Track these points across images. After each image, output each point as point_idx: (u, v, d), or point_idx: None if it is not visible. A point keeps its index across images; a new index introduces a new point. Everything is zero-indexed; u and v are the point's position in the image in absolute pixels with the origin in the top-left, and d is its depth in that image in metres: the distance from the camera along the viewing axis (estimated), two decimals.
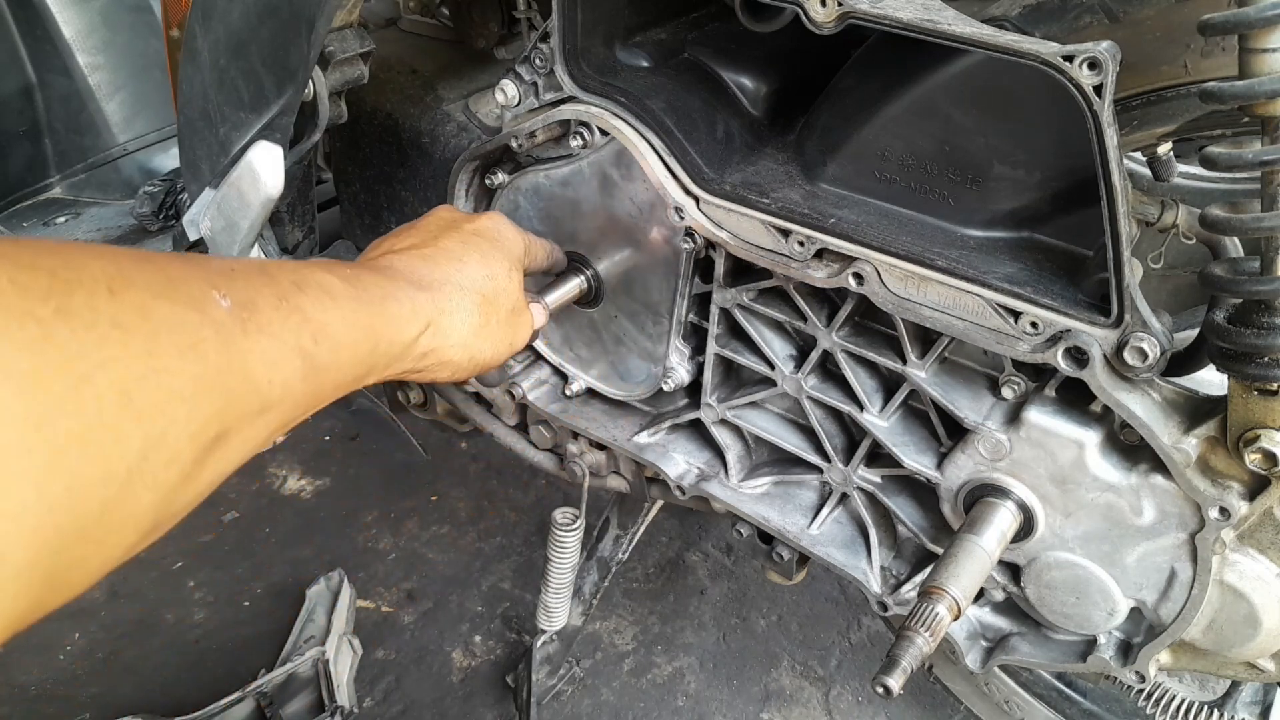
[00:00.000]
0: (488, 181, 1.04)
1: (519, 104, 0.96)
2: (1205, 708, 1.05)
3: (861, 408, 0.90)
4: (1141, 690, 1.06)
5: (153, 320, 0.43)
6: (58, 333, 0.38)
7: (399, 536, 1.87)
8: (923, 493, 0.94)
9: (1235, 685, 1.09)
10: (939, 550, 0.89)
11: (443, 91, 1.23)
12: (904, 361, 0.85)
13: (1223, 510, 0.73)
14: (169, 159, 1.67)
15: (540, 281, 1.03)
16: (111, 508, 0.40)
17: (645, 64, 0.95)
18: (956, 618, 0.76)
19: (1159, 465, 0.75)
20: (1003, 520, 0.82)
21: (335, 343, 0.57)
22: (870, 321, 0.90)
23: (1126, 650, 0.88)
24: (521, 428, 1.24)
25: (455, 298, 0.74)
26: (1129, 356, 0.71)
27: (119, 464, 0.40)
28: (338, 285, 0.60)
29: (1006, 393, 0.82)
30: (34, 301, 0.38)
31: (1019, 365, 0.82)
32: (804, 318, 0.89)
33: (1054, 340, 0.74)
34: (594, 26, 0.90)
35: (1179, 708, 1.05)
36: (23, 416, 0.35)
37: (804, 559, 1.06)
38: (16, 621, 0.37)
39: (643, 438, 1.10)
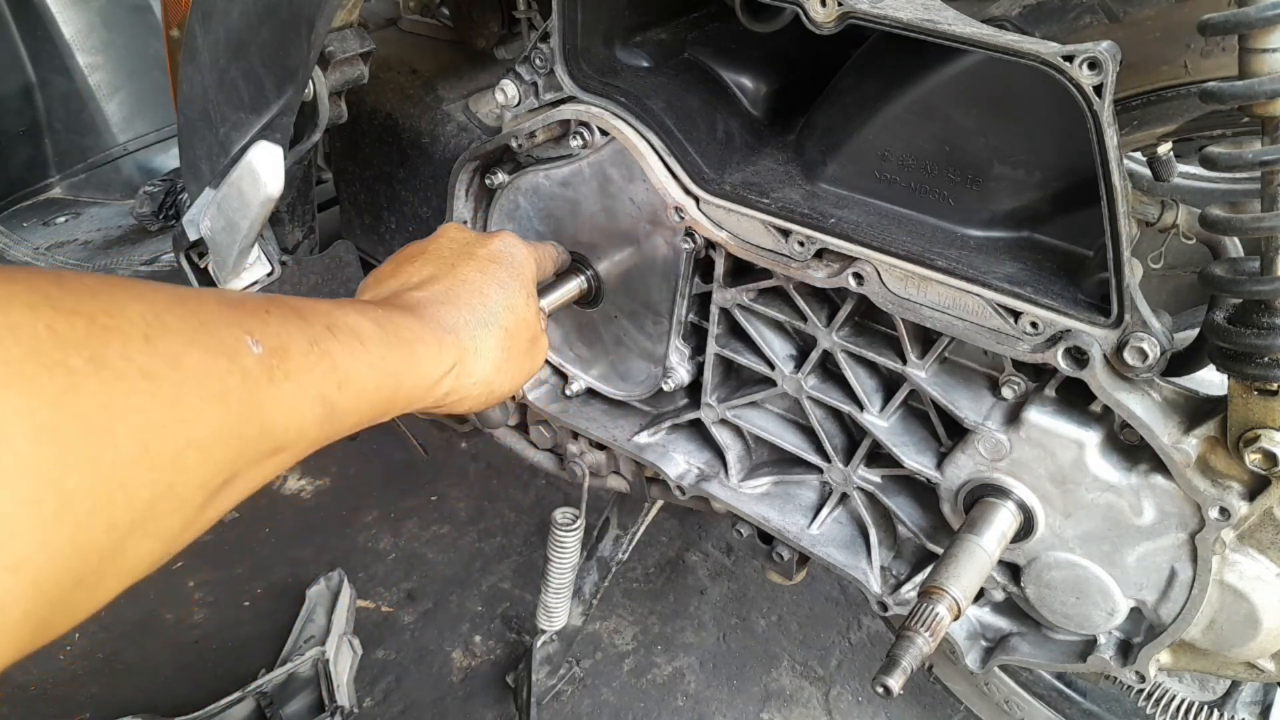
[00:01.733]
0: (488, 181, 1.04)
1: (519, 104, 0.96)
2: (1205, 708, 1.05)
3: (861, 408, 0.90)
4: (1141, 690, 1.06)
5: (182, 369, 0.43)
6: (87, 384, 0.38)
7: (399, 536, 1.87)
8: (923, 493, 0.94)
9: (1235, 685, 1.09)
10: (939, 550, 0.89)
11: (443, 91, 1.23)
12: (904, 361, 0.85)
13: (1223, 510, 0.73)
14: (169, 159, 1.66)
15: (541, 282, 1.03)
16: (112, 557, 0.40)
17: (645, 64, 0.95)
18: (956, 618, 0.76)
19: (1159, 465, 0.75)
20: (1003, 520, 0.82)
21: (359, 389, 0.57)
22: (870, 321, 0.90)
23: (1126, 650, 0.88)
24: (521, 428, 1.24)
25: (480, 336, 0.73)
26: (1129, 356, 0.71)
27: (125, 515, 0.39)
28: (369, 329, 0.60)
29: (1006, 393, 0.82)
30: (69, 351, 0.38)
31: (1019, 365, 0.82)
32: (804, 318, 0.89)
33: (1054, 340, 0.74)
34: (594, 26, 0.90)
35: (1179, 708, 1.05)
36: (36, 469, 0.35)
37: (804, 559, 1.06)
38: (1, 666, 0.37)
39: (643, 438, 1.10)
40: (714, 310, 0.95)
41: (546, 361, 1.16)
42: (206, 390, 0.44)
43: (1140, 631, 0.86)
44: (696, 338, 1.01)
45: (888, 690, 0.72)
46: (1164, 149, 0.85)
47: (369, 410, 0.60)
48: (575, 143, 0.94)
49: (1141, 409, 0.73)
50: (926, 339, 0.84)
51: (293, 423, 0.51)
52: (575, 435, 1.17)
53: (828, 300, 0.91)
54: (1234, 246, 0.90)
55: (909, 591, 0.97)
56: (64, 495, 0.36)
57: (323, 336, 0.55)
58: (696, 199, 0.89)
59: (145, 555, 0.42)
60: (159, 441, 0.41)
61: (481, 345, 0.73)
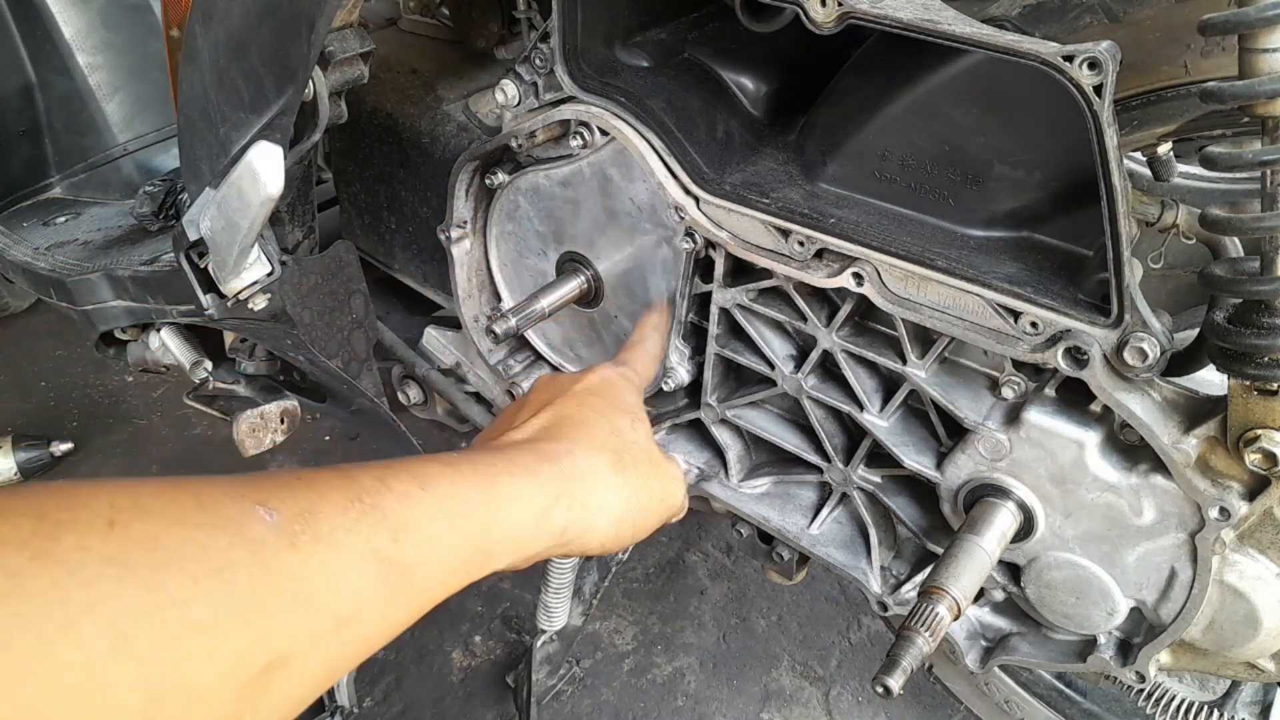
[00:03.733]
0: (488, 182, 1.04)
1: (519, 104, 0.96)
2: (1205, 708, 1.05)
3: (861, 408, 0.90)
4: (1141, 690, 1.06)
5: (160, 550, 0.39)
6: (33, 583, 0.35)
7: None
8: (923, 493, 0.94)
9: (1235, 685, 1.09)
10: (939, 550, 0.89)
11: (443, 91, 1.23)
12: (904, 361, 0.85)
13: (1223, 510, 0.73)
14: (169, 159, 1.66)
15: (539, 283, 1.03)
16: None
17: (645, 64, 0.95)
18: (956, 618, 0.76)
19: (1159, 465, 0.75)
20: (1003, 520, 0.82)
21: (425, 537, 0.53)
22: (870, 321, 0.90)
23: (1126, 650, 0.88)
24: None
25: (586, 461, 0.67)
26: (1129, 356, 0.71)
27: (115, 715, 0.36)
28: (436, 472, 0.56)
29: (1006, 393, 0.82)
30: (9, 552, 0.35)
31: (1019, 365, 0.82)
32: (804, 318, 0.89)
33: (1054, 340, 0.74)
34: (594, 26, 0.90)
35: (1179, 708, 1.05)
36: None
37: (804, 559, 1.06)
38: None
39: None
40: (714, 310, 0.95)
41: (547, 361, 1.16)
42: (198, 569, 0.40)
43: (1140, 631, 0.86)
44: (696, 338, 1.01)
45: (887, 690, 0.72)
46: (1164, 149, 0.85)
47: (455, 559, 0.55)
48: (575, 143, 0.94)
49: (1141, 409, 0.73)
50: (926, 339, 0.84)
51: (342, 587, 0.47)
52: None
53: (828, 300, 0.91)
54: (1234, 246, 0.90)
55: (909, 591, 0.97)
56: (21, 705, 0.33)
57: (371, 490, 0.51)
58: (696, 199, 0.89)
59: None
60: (142, 631, 0.37)
61: (591, 470, 0.67)
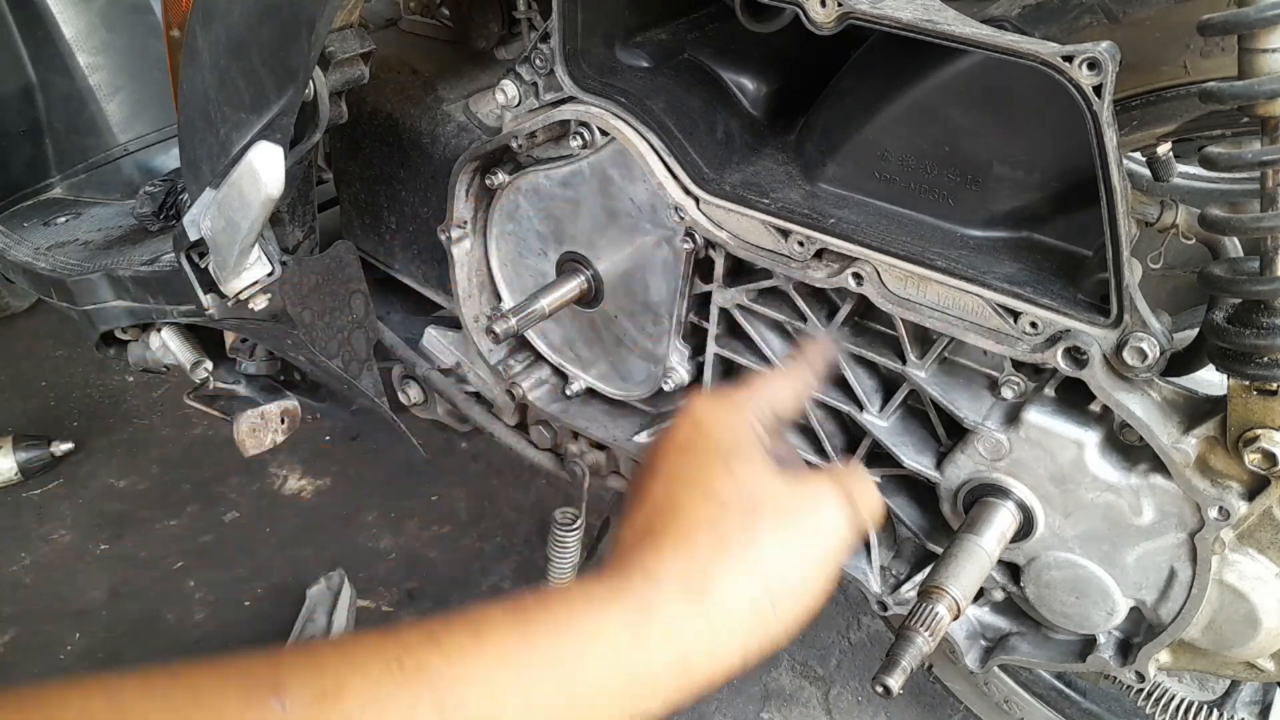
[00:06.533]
0: (488, 182, 1.04)
1: (519, 104, 0.96)
2: (1205, 707, 1.05)
3: (861, 407, 0.90)
4: (1141, 690, 1.06)
5: None
6: None
7: (399, 536, 1.87)
8: (922, 492, 0.94)
9: (1235, 685, 1.09)
10: (939, 550, 0.89)
11: (443, 91, 1.23)
12: (903, 361, 0.85)
13: (1222, 510, 0.73)
14: (169, 159, 1.66)
15: (539, 283, 1.03)
16: None
17: (645, 64, 0.95)
18: (956, 617, 0.76)
19: (1158, 465, 0.75)
20: (1002, 520, 0.82)
21: (481, 695, 0.44)
22: (870, 321, 0.90)
23: (1126, 650, 0.88)
24: (521, 428, 1.24)
25: (671, 571, 0.53)
26: (1128, 356, 0.71)
27: None
28: (497, 620, 0.46)
29: (1006, 393, 0.82)
30: None
31: (1019, 365, 0.82)
32: (803, 318, 0.89)
33: (1053, 340, 0.74)
34: (594, 27, 0.90)
35: (1178, 707, 1.05)
36: None
37: None
38: None
39: (643, 438, 1.10)
40: (714, 310, 0.95)
41: (547, 361, 1.16)
42: None
43: (1140, 631, 0.87)
44: (696, 338, 1.01)
45: (887, 690, 0.72)
46: (1164, 149, 0.85)
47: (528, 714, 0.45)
48: (575, 143, 0.94)
49: (1141, 409, 0.74)
50: (926, 339, 0.84)
51: None
52: (575, 435, 1.17)
53: (827, 300, 0.91)
54: (1234, 246, 0.90)
55: (909, 591, 0.97)
56: None
57: (415, 649, 0.43)
58: (696, 199, 0.89)
59: None
60: None
61: (679, 578, 0.52)
